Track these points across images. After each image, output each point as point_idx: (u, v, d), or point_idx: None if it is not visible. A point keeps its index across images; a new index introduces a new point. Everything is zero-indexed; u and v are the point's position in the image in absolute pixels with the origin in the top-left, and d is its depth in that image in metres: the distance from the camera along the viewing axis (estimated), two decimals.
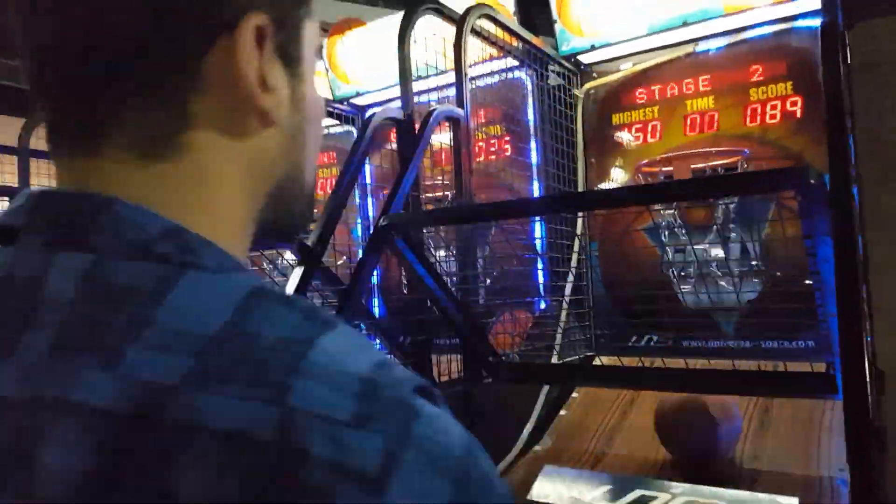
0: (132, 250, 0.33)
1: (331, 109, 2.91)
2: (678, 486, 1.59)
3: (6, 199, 3.48)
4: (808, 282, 1.83)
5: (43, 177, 3.73)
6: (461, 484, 0.29)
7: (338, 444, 0.27)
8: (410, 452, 0.28)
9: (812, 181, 0.96)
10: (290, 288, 1.68)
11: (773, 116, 2.06)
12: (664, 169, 2.22)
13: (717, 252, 2.09)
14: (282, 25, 0.39)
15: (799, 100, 2.03)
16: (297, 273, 1.70)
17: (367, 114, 2.73)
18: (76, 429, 0.28)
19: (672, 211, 2.15)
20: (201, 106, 0.37)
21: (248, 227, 0.41)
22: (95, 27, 0.35)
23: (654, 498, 1.56)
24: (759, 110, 2.08)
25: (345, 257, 2.53)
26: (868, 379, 0.96)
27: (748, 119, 2.10)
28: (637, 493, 1.59)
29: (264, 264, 2.34)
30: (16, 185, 3.39)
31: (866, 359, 0.98)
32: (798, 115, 2.03)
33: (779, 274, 1.92)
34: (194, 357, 0.29)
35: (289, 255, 2.05)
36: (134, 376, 0.28)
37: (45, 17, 0.36)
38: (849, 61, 1.31)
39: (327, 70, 3.06)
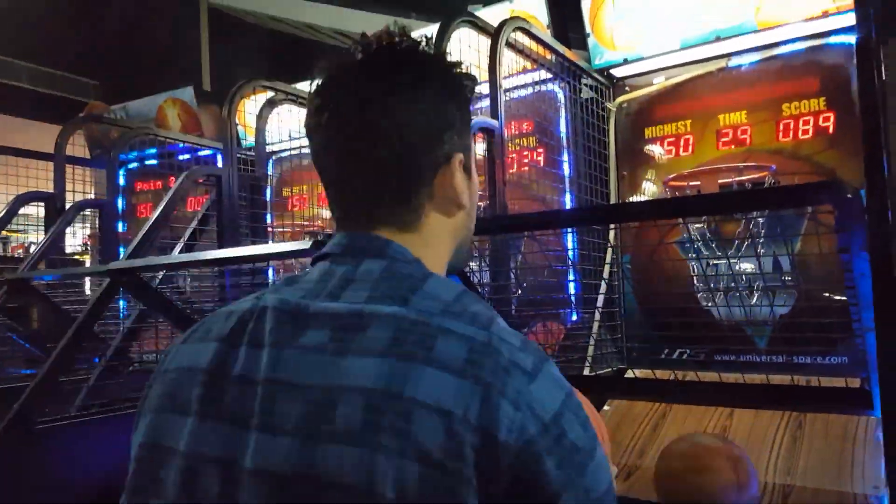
0: (405, 261, 0.65)
1: None
2: None
3: (41, 203, 3.62)
4: (840, 297, 1.82)
5: (77, 182, 3.85)
6: (569, 396, 0.57)
7: (514, 354, 0.56)
8: (545, 368, 0.57)
9: (849, 195, 0.97)
10: None
11: (805, 132, 2.06)
12: (692, 183, 2.22)
13: (749, 266, 2.08)
14: (466, 154, 0.71)
15: (832, 115, 2.02)
16: None
17: None
18: (384, 326, 0.56)
19: (703, 225, 2.15)
20: (430, 205, 0.68)
21: (445, 265, 0.72)
22: (374, 170, 0.66)
23: None
24: (791, 126, 2.09)
25: None
26: None
27: (780, 134, 2.10)
28: None
29: (297, 271, 2.38)
30: (50, 191, 3.50)
31: None
32: (830, 130, 2.03)
33: (812, 288, 1.92)
34: (442, 306, 0.58)
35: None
36: (415, 307, 0.58)
37: (343, 159, 0.67)
38: (884, 77, 1.32)
39: None
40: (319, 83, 0.69)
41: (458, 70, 0.71)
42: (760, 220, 2.05)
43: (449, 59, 0.72)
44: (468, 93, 0.72)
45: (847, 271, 1.12)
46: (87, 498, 1.93)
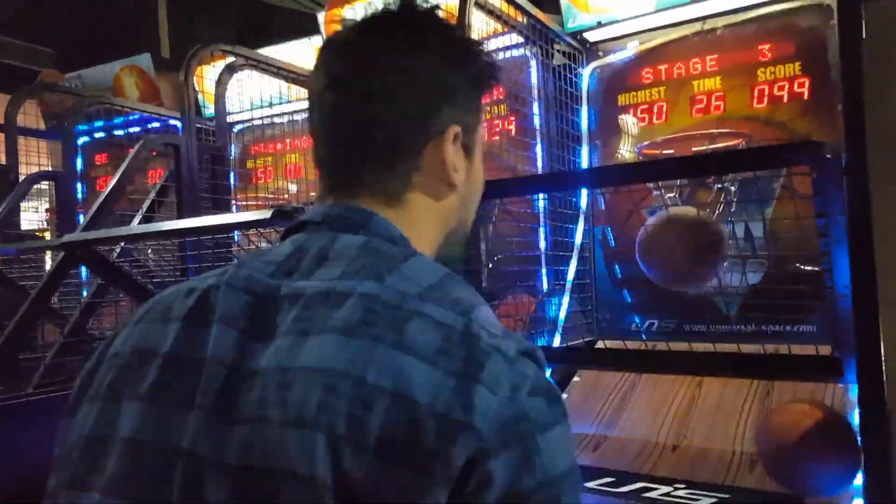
0: (386, 238, 0.60)
1: None
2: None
3: None
4: (810, 267, 1.82)
5: (33, 154, 3.67)
6: (544, 378, 0.54)
7: (494, 340, 0.52)
8: (527, 356, 0.53)
9: (828, 156, 0.94)
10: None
11: (780, 98, 2.03)
12: (665, 151, 2.19)
13: None
14: (467, 131, 0.67)
15: (807, 81, 1.99)
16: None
17: None
18: (356, 304, 0.52)
19: (675, 193, 2.13)
20: (418, 178, 0.64)
21: (433, 251, 0.68)
22: (362, 132, 0.63)
23: (655, 489, 1.54)
24: (766, 91, 2.05)
25: None
26: (883, 362, 0.94)
27: (755, 100, 2.07)
28: (639, 484, 1.57)
29: (262, 244, 2.32)
30: (2, 163, 3.35)
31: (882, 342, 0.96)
32: (805, 96, 2.00)
33: (784, 255, 1.91)
34: (419, 289, 0.54)
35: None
36: (391, 286, 0.54)
37: (336, 123, 0.65)
38: (863, 37, 1.28)
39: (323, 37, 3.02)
40: (331, 39, 0.68)
41: (475, 48, 0.69)
42: (733, 188, 2.02)
43: (452, 25, 0.69)
44: (479, 69, 0.68)
45: (823, 236, 1.09)
46: (43, 476, 1.87)
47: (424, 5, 0.67)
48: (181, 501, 0.50)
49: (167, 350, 0.56)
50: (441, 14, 0.68)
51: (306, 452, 0.47)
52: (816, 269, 1.72)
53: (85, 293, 2.87)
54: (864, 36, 1.23)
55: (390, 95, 0.62)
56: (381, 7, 0.67)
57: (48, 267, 3.48)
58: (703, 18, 2.13)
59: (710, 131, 2.10)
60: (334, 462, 0.46)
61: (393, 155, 0.63)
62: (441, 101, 0.64)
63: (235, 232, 2.31)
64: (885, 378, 0.93)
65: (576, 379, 2.05)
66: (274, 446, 0.48)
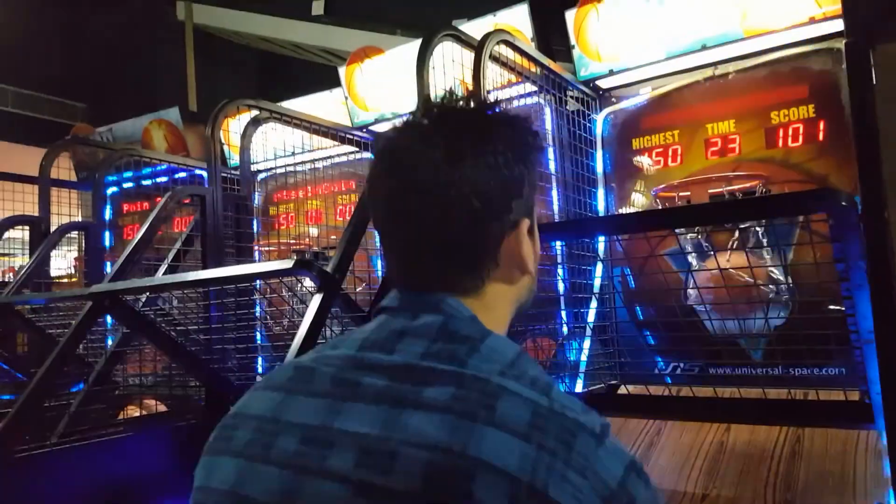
0: (461, 318, 0.62)
1: (350, 136, 2.94)
2: None
3: (27, 227, 3.57)
4: (835, 307, 1.79)
5: (64, 205, 3.80)
6: (633, 459, 0.56)
7: (578, 416, 0.55)
8: (609, 433, 0.55)
9: (844, 203, 0.94)
10: (310, 313, 1.68)
11: (795, 140, 2.04)
12: (681, 194, 2.19)
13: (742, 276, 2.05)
14: (531, 219, 0.68)
15: (821, 123, 2.00)
16: (317, 300, 1.70)
17: None
18: (443, 382, 0.55)
19: (693, 236, 2.12)
20: (495, 272, 0.66)
21: (505, 327, 0.69)
22: (439, 233, 0.63)
23: None
24: (780, 134, 2.06)
25: (364, 283, 2.53)
26: None
27: (770, 143, 2.08)
28: None
29: (283, 291, 2.35)
30: (35, 214, 3.46)
31: None
32: (820, 137, 2.00)
33: (807, 300, 1.88)
34: (499, 368, 0.57)
35: (308, 283, 2.06)
36: (472, 369, 0.56)
37: (409, 221, 0.64)
38: (874, 83, 1.29)
39: (346, 98, 3.11)
40: (381, 146, 0.68)
41: (525, 127, 0.68)
42: (752, 230, 2.02)
43: (515, 117, 0.68)
44: (537, 153, 0.69)
45: (844, 280, 1.09)
46: None
47: (488, 99, 0.68)
48: None
49: (260, 413, 0.61)
50: (501, 106, 0.68)
51: None
52: (841, 310, 1.69)
53: (110, 341, 2.91)
54: (874, 81, 1.24)
55: (467, 197, 0.61)
56: (441, 102, 0.67)
57: (76, 313, 3.57)
58: (714, 64, 2.16)
59: (727, 174, 2.11)
60: None
61: (471, 254, 0.64)
62: (513, 197, 0.64)
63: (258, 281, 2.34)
64: None
65: None
66: None
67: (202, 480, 0.61)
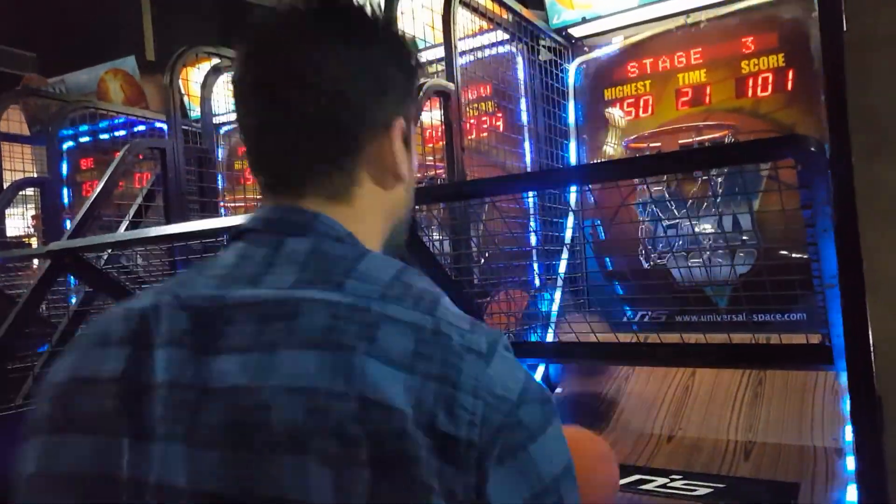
0: (334, 239, 0.58)
1: None
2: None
3: None
4: (799, 255, 1.83)
5: (17, 160, 3.64)
6: (529, 376, 0.53)
7: (465, 337, 0.51)
8: (500, 348, 0.53)
9: (812, 149, 0.95)
10: None
11: (764, 89, 2.05)
12: (652, 144, 2.20)
13: (710, 226, 2.08)
14: (407, 123, 0.65)
15: (790, 72, 2.01)
16: None
17: None
18: (322, 310, 0.51)
19: (662, 186, 2.14)
20: (364, 173, 0.62)
21: (380, 243, 0.65)
22: (305, 129, 0.59)
23: (651, 480, 1.55)
24: (750, 83, 2.07)
25: None
26: (872, 349, 0.95)
27: (740, 93, 2.08)
28: (636, 476, 1.58)
29: None
30: None
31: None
32: (789, 87, 2.01)
33: (771, 247, 1.92)
34: (380, 289, 0.53)
35: None
36: (352, 292, 0.52)
37: (274, 119, 0.60)
38: (845, 29, 1.29)
39: None
40: (254, 31, 0.62)
41: (404, 36, 0.67)
42: (720, 179, 2.04)
43: (394, 21, 0.67)
44: (414, 61, 0.66)
45: (809, 226, 1.10)
46: None
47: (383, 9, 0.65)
48: None
49: (109, 376, 0.52)
50: (367, 7, 0.64)
51: (299, 478, 0.46)
52: (805, 258, 1.73)
53: (73, 300, 2.85)
54: (844, 28, 1.24)
55: (334, 89, 0.59)
56: None
57: (37, 274, 3.48)
58: (687, 12, 2.14)
59: (697, 124, 2.12)
60: (332, 484, 0.45)
61: (339, 151, 0.60)
62: (384, 94, 0.62)
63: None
64: (873, 364, 0.95)
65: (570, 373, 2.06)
66: (261, 472, 0.46)
67: (41, 466, 0.53)
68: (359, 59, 0.60)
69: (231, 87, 0.65)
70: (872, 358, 0.95)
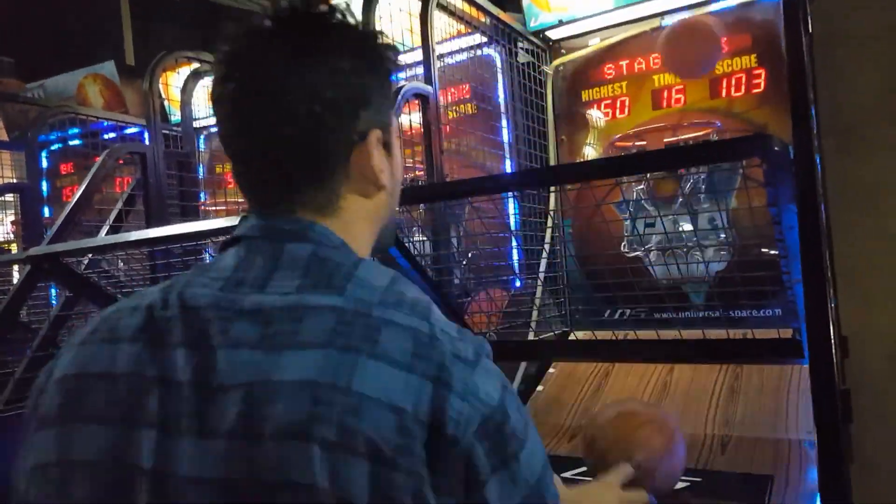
0: (333, 246, 0.60)
1: None
2: None
3: None
4: (771, 252, 1.87)
5: (7, 167, 3.61)
6: (506, 383, 0.58)
7: (455, 344, 0.55)
8: (483, 357, 0.57)
9: (776, 148, 0.97)
10: None
11: (738, 89, 2.09)
12: (637, 143, 2.23)
13: (686, 225, 2.11)
14: (385, 131, 0.66)
15: (763, 72, 2.05)
16: None
17: None
18: (328, 315, 0.54)
19: (641, 186, 2.17)
20: (347, 187, 0.64)
21: (369, 248, 0.68)
22: (285, 149, 0.61)
23: None
24: (724, 84, 2.10)
25: None
26: (833, 342, 0.98)
27: (714, 93, 2.12)
28: None
29: None
30: None
31: (831, 323, 1.00)
32: (762, 87, 2.05)
33: (746, 244, 1.96)
34: (379, 295, 0.56)
35: None
36: (352, 297, 0.56)
37: (253, 140, 0.62)
38: (810, 31, 1.33)
39: None
40: (225, 50, 0.62)
41: (379, 40, 0.66)
42: (701, 177, 2.07)
43: (369, 27, 0.68)
44: (389, 65, 0.66)
45: (776, 223, 1.13)
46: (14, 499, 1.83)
47: (321, 7, 0.62)
48: None
49: (123, 371, 0.55)
50: (344, 13, 0.64)
51: (304, 462, 0.49)
52: (775, 254, 1.77)
53: (55, 304, 2.82)
54: (810, 30, 1.28)
55: (307, 102, 0.59)
56: (291, 5, 0.62)
57: (17, 280, 3.44)
58: (662, 14, 2.17)
59: (683, 123, 2.15)
60: (331, 470, 0.48)
61: (320, 168, 0.62)
62: (360, 106, 0.62)
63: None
64: (834, 357, 0.97)
65: (551, 370, 2.08)
66: (268, 459, 0.49)
67: (54, 455, 0.55)
68: (332, 73, 0.60)
69: (210, 100, 0.66)
70: (834, 350, 0.97)
